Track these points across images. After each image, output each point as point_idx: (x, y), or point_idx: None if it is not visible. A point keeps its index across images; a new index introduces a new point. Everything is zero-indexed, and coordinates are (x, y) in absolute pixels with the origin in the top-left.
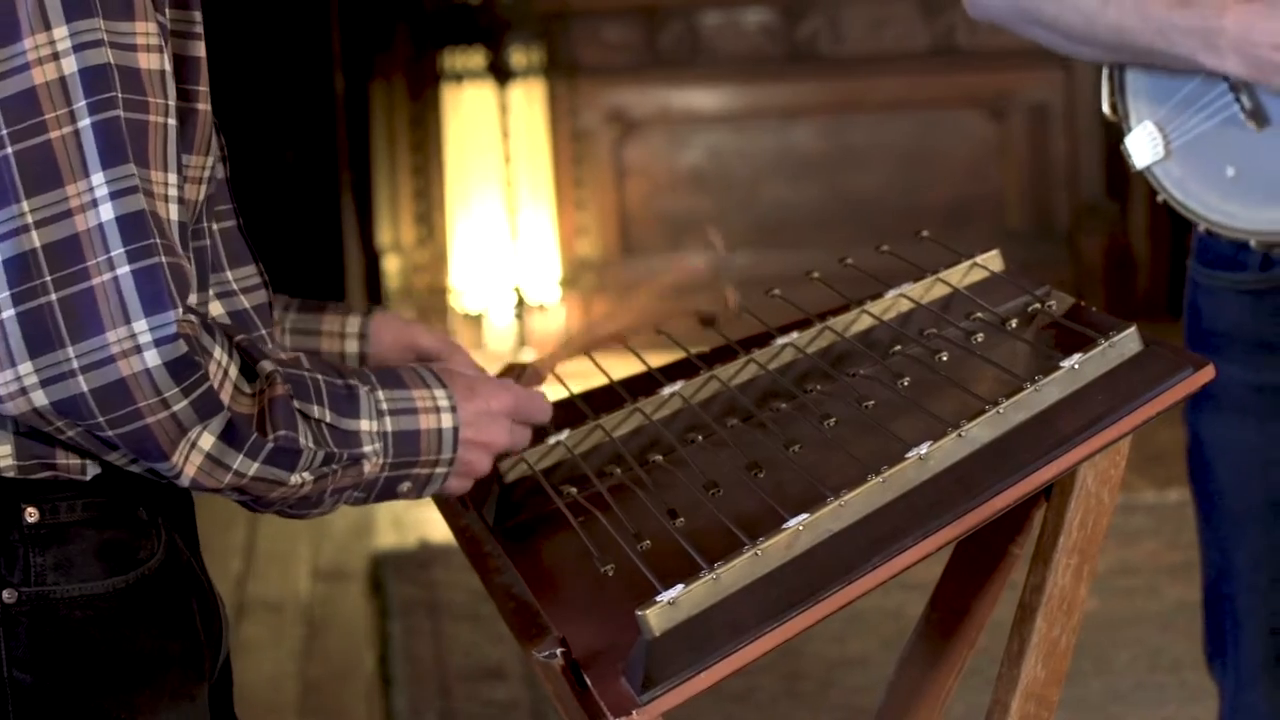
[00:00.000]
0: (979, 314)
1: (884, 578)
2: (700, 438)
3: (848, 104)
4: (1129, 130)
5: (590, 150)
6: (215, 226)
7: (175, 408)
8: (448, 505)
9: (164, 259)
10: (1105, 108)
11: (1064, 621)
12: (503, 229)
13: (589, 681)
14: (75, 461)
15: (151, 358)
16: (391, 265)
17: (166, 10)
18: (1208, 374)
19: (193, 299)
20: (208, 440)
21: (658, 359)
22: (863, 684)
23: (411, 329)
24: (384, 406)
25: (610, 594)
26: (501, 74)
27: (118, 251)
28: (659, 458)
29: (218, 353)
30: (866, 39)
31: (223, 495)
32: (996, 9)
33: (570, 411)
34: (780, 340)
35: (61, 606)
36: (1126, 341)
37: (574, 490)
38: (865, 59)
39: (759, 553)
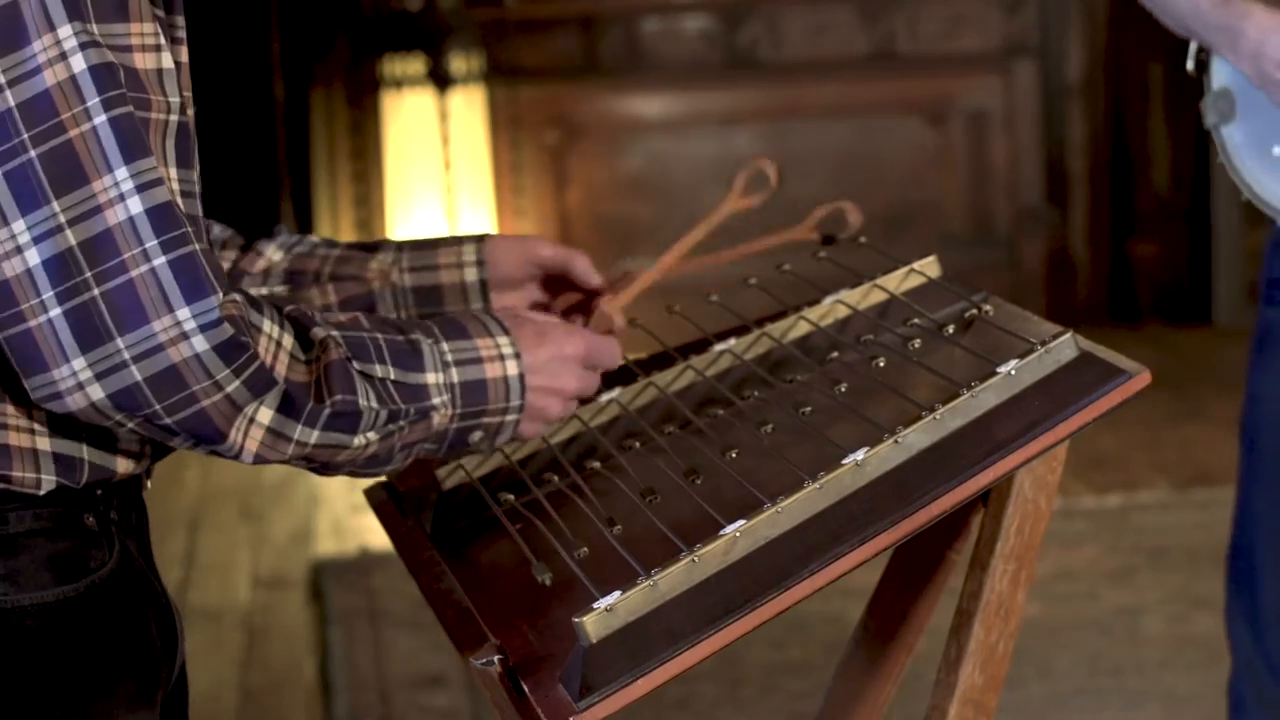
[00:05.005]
0: (916, 320)
1: (821, 584)
2: (638, 444)
3: (787, 110)
4: (1207, 89)
5: (530, 157)
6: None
7: (228, 389)
8: (387, 513)
9: (197, 246)
10: (1190, 65)
11: (1001, 627)
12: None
13: (527, 689)
14: (30, 475)
15: (199, 343)
16: None
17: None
18: (1144, 380)
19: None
20: (266, 414)
21: None
22: (803, 689)
23: (530, 243)
24: (449, 358)
25: (548, 601)
26: (441, 80)
27: (151, 243)
28: (597, 464)
29: (267, 326)
30: (806, 45)
31: (290, 465)
32: None
33: None
34: (718, 347)
35: (13, 616)
36: (1063, 348)
37: (512, 497)
38: (805, 65)
39: (696, 559)
